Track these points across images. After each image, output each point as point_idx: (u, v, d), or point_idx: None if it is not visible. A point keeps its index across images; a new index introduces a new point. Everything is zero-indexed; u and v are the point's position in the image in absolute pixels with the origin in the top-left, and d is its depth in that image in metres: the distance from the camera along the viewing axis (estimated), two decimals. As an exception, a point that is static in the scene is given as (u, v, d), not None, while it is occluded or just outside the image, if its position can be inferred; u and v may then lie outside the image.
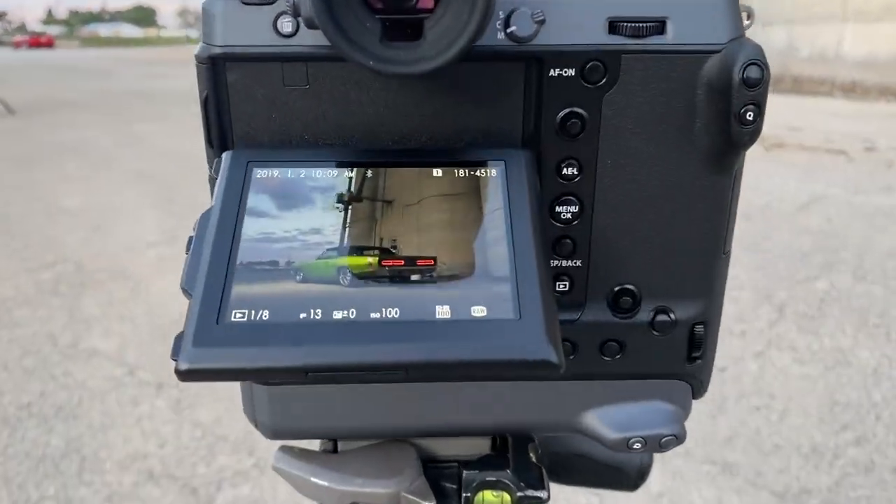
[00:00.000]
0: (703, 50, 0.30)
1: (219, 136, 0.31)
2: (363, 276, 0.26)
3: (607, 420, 0.35)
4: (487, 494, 0.35)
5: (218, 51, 0.30)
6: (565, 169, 0.32)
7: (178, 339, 0.24)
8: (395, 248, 0.27)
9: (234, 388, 0.39)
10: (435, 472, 0.37)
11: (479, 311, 0.25)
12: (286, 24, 0.29)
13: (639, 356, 0.34)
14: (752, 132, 0.30)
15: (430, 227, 0.27)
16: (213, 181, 0.30)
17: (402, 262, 0.26)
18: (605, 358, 0.34)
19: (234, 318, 0.25)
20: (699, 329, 0.34)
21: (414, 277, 0.26)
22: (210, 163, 0.31)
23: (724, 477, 1.55)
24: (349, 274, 0.26)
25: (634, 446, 0.34)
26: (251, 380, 0.28)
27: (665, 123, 0.31)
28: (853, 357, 1.98)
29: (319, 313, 0.25)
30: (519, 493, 0.34)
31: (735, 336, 2.10)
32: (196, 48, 0.31)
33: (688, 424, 0.38)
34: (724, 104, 0.30)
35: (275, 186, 0.29)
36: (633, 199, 0.32)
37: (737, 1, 0.31)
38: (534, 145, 0.31)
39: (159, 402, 1.87)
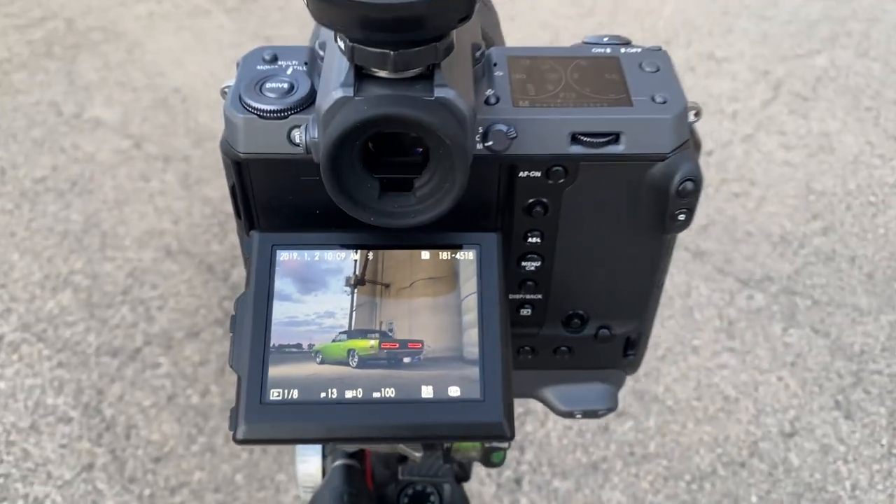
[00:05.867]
0: (650, 158, 0.35)
1: (246, 214, 0.36)
2: (367, 358, 0.33)
3: (558, 397, 0.44)
4: (464, 442, 0.45)
5: (241, 156, 0.34)
6: (531, 238, 0.37)
7: (234, 412, 0.32)
8: (391, 331, 0.33)
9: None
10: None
11: (454, 392, 0.32)
12: (297, 136, 0.33)
13: (584, 356, 0.42)
14: (682, 226, 0.36)
15: (419, 310, 0.34)
16: (246, 259, 0.36)
17: (397, 346, 0.33)
18: (558, 357, 0.42)
19: (273, 396, 0.32)
20: (633, 336, 0.42)
21: (406, 360, 0.33)
22: (239, 233, 0.37)
23: (695, 263, 1.69)
24: (356, 356, 0.33)
25: (577, 416, 0.44)
26: (289, 444, 0.35)
27: (613, 212, 0.36)
28: (837, 143, 2.04)
29: (335, 393, 0.32)
30: (487, 444, 0.45)
31: (727, 117, 2.14)
32: (221, 136, 0.35)
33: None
34: (662, 205, 0.35)
35: (295, 269, 0.34)
36: (584, 258, 0.38)
37: (683, 116, 0.35)
38: (505, 225, 0.36)
39: (168, 176, 1.96)
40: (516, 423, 1.38)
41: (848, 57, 2.40)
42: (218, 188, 1.92)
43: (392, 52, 0.29)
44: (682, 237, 1.73)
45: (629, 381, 1.43)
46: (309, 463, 0.56)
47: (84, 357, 1.52)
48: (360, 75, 0.30)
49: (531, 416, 1.41)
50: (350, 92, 0.30)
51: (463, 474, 0.55)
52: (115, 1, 2.79)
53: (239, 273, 1.69)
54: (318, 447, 0.56)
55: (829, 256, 1.70)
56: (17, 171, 1.97)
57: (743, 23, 2.58)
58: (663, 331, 1.54)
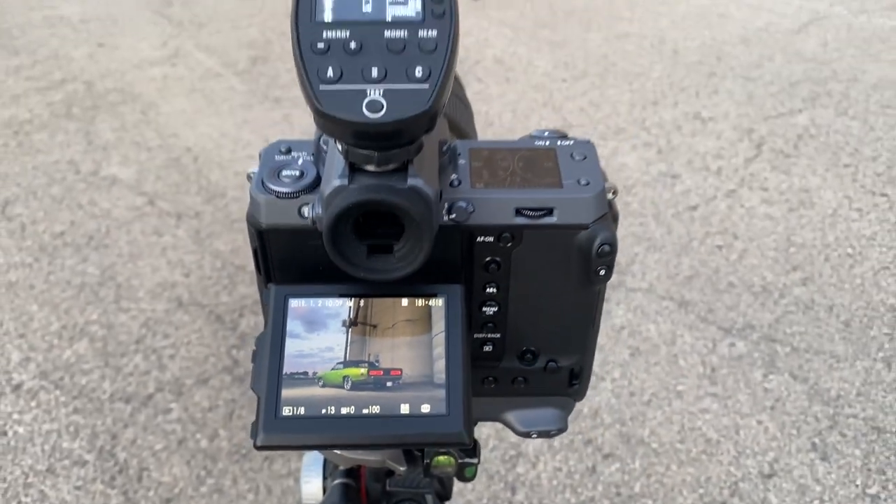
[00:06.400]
0: (575, 226, 0.44)
1: (265, 271, 0.46)
2: (358, 383, 0.42)
3: (517, 419, 0.53)
4: (441, 458, 0.54)
5: (263, 226, 0.44)
6: (488, 288, 0.47)
7: (254, 424, 0.41)
8: (377, 361, 0.43)
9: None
10: (407, 444, 0.55)
11: (425, 408, 0.41)
12: (306, 211, 0.43)
13: (537, 385, 0.51)
14: (604, 280, 0.45)
15: (399, 345, 0.43)
16: (264, 306, 0.45)
17: (381, 373, 0.42)
18: (515, 386, 0.51)
19: (285, 413, 0.41)
20: (576, 368, 0.51)
21: (388, 384, 0.42)
22: (259, 285, 0.46)
23: (680, 313, 1.78)
24: (350, 381, 0.42)
25: (533, 435, 0.53)
26: (297, 450, 0.44)
27: (551, 268, 0.46)
28: (817, 198, 2.15)
29: (333, 410, 0.41)
30: (459, 460, 0.54)
31: (711, 174, 2.25)
32: (247, 209, 0.45)
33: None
34: (587, 263, 0.45)
35: (303, 314, 0.44)
36: (532, 304, 0.48)
37: (602, 194, 0.44)
38: (467, 278, 0.46)
39: (180, 232, 2.06)
40: (508, 465, 1.46)
41: (828, 116, 2.52)
42: (227, 242, 2.02)
43: (376, 153, 0.39)
44: (668, 288, 1.82)
45: (616, 425, 1.50)
46: (311, 483, 0.64)
47: (99, 403, 1.60)
48: (353, 169, 0.40)
49: (523, 458, 1.48)
50: (345, 182, 0.40)
51: (444, 493, 0.63)
52: (132, 64, 2.95)
53: (246, 323, 1.78)
54: (320, 470, 0.65)
55: (808, 306, 1.79)
56: (37, 226, 2.08)
57: (728, 84, 2.71)
58: (649, 377, 1.62)
